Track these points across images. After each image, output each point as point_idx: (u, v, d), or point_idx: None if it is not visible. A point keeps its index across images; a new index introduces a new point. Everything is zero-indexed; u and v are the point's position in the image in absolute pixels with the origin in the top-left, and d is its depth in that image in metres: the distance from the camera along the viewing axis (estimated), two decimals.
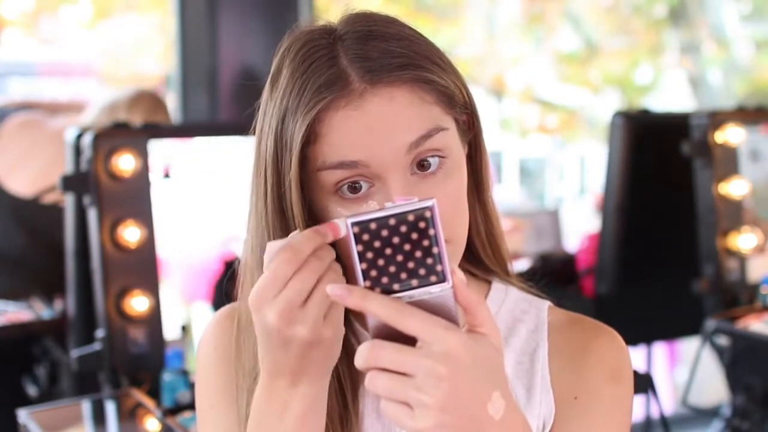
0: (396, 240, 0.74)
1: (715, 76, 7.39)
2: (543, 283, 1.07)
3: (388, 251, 0.75)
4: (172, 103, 3.44)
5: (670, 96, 7.70)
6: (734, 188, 2.69)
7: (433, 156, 0.89)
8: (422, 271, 0.75)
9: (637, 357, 3.37)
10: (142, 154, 2.13)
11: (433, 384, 0.73)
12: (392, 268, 0.75)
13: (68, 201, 2.36)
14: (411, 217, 0.74)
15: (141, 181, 2.13)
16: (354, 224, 0.74)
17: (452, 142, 0.91)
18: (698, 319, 2.58)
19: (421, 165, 0.89)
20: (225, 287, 2.64)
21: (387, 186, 0.88)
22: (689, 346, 4.24)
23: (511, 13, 7.79)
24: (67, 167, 2.31)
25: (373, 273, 0.75)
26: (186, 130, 2.93)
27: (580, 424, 0.96)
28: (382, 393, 0.75)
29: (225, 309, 1.05)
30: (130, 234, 2.10)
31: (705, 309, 2.67)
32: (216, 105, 3.35)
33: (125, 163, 2.11)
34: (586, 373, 0.98)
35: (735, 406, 2.45)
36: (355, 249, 0.75)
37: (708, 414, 3.15)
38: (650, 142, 2.94)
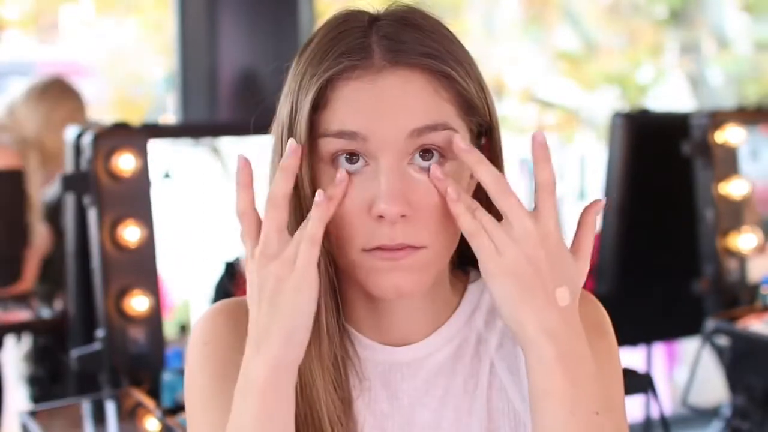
0: None
1: (715, 77, 7.39)
2: None
3: None
4: (173, 103, 3.45)
5: (670, 96, 7.69)
6: (734, 188, 2.69)
7: (432, 152, 0.90)
8: None
9: (637, 357, 3.36)
10: (142, 154, 2.13)
11: (509, 244, 0.85)
12: None
13: (68, 201, 2.36)
14: None
15: (141, 181, 2.13)
16: None
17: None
18: (698, 319, 2.57)
19: (421, 158, 0.89)
20: (225, 287, 2.64)
21: (379, 167, 0.88)
22: (689, 346, 4.23)
23: (510, 13, 7.79)
24: (68, 167, 2.31)
25: None
26: (186, 130, 2.93)
27: None
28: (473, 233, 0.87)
29: (219, 304, 1.01)
30: (130, 234, 2.10)
31: (705, 309, 2.67)
32: (216, 105, 3.35)
33: (125, 162, 2.11)
34: None
35: (735, 406, 2.45)
36: None
37: (708, 414, 3.15)
38: (650, 142, 2.94)
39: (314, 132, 0.90)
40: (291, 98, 0.92)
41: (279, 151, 0.93)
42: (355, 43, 0.90)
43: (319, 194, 0.86)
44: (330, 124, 0.89)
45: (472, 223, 0.86)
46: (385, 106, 0.88)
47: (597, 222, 0.90)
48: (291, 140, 0.88)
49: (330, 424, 0.92)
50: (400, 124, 0.88)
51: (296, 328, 0.86)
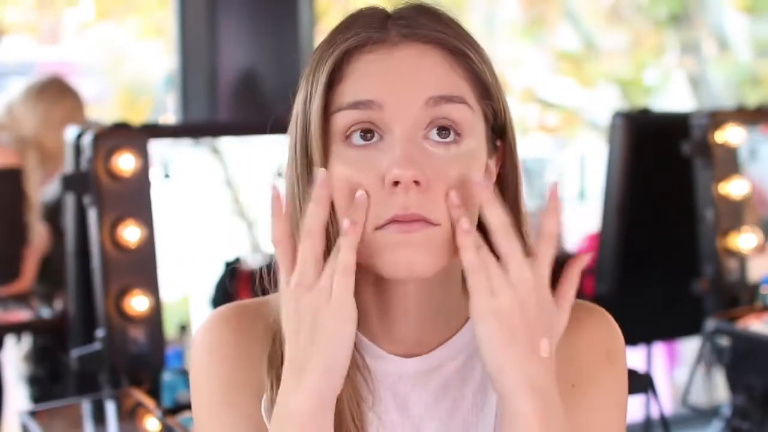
0: None
1: (715, 76, 7.39)
2: None
3: None
4: (173, 103, 3.45)
5: (673, 97, 7.70)
6: (734, 188, 2.69)
7: (448, 129, 0.89)
8: None
9: (637, 357, 3.37)
10: (142, 154, 2.13)
11: (505, 286, 0.85)
12: None
13: (68, 201, 2.36)
14: None
15: (141, 181, 2.13)
16: None
17: (473, 126, 0.90)
18: (698, 319, 2.57)
19: (438, 135, 0.89)
20: (225, 287, 2.65)
21: (393, 139, 0.87)
22: (689, 346, 4.23)
23: (511, 13, 7.79)
24: (67, 167, 2.32)
25: None
26: (186, 130, 2.93)
27: (580, 410, 0.94)
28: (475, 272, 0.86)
29: (221, 310, 0.99)
30: (130, 234, 2.10)
31: (705, 309, 2.67)
32: (216, 105, 3.35)
33: (125, 162, 2.11)
34: (579, 357, 0.96)
35: (735, 406, 2.45)
36: None
37: (708, 414, 3.15)
38: (650, 142, 2.94)
39: (328, 110, 0.89)
40: (306, 85, 0.92)
41: (294, 147, 0.93)
42: (371, 22, 0.91)
43: (344, 222, 0.85)
44: (344, 97, 0.89)
45: (475, 258, 0.85)
46: (401, 75, 0.88)
47: (578, 277, 0.90)
48: (321, 170, 0.87)
49: None
50: (415, 92, 0.88)
51: (336, 359, 0.86)
